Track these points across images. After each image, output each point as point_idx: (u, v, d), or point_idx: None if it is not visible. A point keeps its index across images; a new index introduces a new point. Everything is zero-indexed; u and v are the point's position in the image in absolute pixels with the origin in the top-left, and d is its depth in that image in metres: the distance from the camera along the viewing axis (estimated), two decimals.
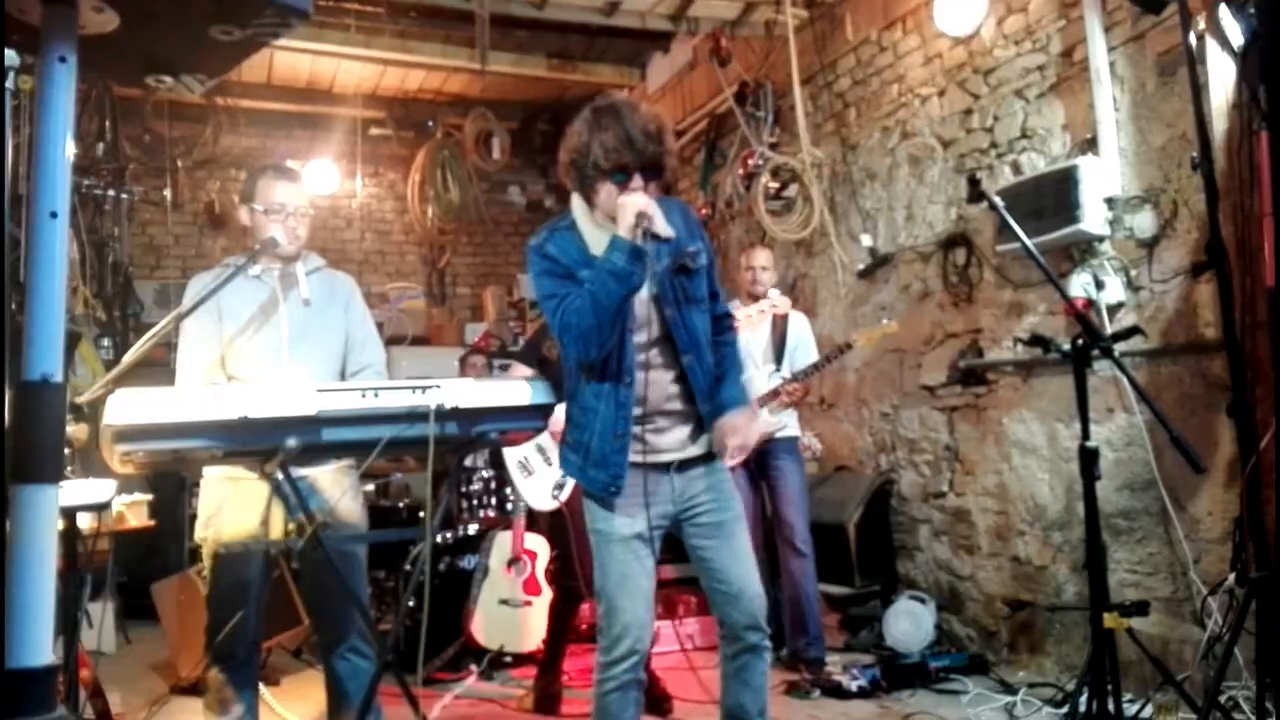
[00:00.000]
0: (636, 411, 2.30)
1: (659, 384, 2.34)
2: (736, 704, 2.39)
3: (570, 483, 3.68)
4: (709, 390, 2.38)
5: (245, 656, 2.72)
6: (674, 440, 2.35)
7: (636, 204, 2.18)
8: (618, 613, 2.28)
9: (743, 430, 2.38)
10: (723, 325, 2.50)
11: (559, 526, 3.78)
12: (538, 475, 3.76)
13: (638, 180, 2.25)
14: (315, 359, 2.78)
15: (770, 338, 4.22)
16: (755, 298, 4.05)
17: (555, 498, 3.72)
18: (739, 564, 2.36)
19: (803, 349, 4.23)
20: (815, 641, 3.98)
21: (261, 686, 3.18)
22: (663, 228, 2.29)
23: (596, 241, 2.30)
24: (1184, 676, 3.01)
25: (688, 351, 2.35)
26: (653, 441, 2.31)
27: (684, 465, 2.36)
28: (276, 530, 2.62)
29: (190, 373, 2.73)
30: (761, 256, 4.27)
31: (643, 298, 2.30)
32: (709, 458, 2.39)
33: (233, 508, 2.69)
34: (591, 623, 4.08)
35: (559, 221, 2.39)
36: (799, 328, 4.30)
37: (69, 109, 1.34)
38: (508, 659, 4.22)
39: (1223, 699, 2.74)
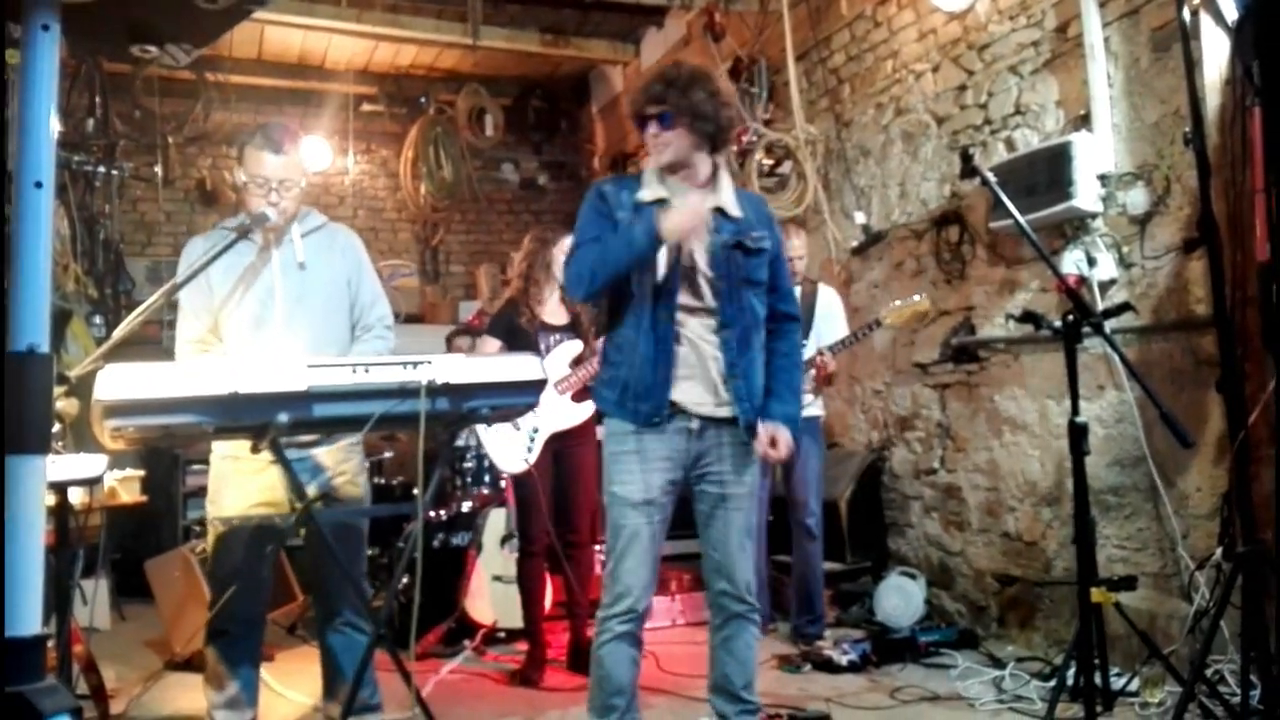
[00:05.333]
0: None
1: (695, 348, 2.39)
2: (723, 676, 2.44)
3: (538, 444, 3.72)
4: (744, 369, 2.41)
5: (243, 633, 2.71)
6: (697, 394, 2.39)
7: (693, 212, 2.30)
8: (622, 573, 2.36)
9: (783, 447, 2.42)
10: (782, 331, 2.53)
11: (523, 489, 3.78)
12: (507, 439, 3.76)
13: (653, 126, 2.37)
14: (313, 324, 2.70)
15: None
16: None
17: (525, 461, 3.72)
18: (735, 540, 2.42)
19: (828, 323, 4.14)
20: (818, 620, 4.04)
21: None
22: (730, 205, 2.44)
23: (649, 184, 2.43)
24: (1170, 650, 3.03)
25: (728, 325, 2.40)
26: (679, 392, 2.38)
27: (704, 430, 2.40)
28: (280, 508, 2.62)
29: (185, 345, 2.70)
30: (796, 245, 4.11)
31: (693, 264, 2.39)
32: (732, 423, 2.42)
33: (233, 485, 2.69)
34: (559, 599, 4.11)
35: (635, 175, 2.53)
36: (828, 301, 4.22)
37: (53, 78, 1.33)
38: (502, 634, 4.24)
39: (1208, 672, 2.77)
